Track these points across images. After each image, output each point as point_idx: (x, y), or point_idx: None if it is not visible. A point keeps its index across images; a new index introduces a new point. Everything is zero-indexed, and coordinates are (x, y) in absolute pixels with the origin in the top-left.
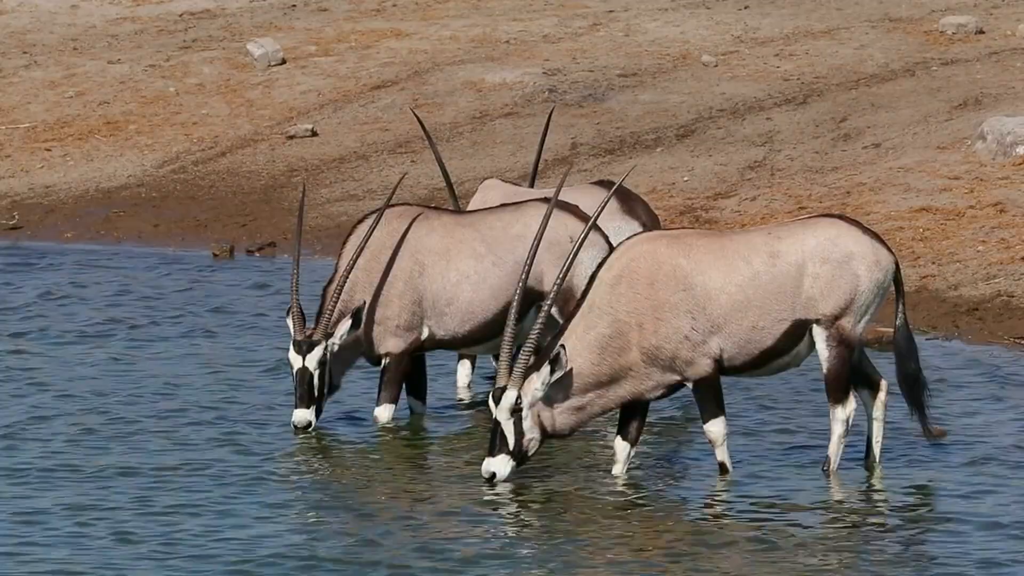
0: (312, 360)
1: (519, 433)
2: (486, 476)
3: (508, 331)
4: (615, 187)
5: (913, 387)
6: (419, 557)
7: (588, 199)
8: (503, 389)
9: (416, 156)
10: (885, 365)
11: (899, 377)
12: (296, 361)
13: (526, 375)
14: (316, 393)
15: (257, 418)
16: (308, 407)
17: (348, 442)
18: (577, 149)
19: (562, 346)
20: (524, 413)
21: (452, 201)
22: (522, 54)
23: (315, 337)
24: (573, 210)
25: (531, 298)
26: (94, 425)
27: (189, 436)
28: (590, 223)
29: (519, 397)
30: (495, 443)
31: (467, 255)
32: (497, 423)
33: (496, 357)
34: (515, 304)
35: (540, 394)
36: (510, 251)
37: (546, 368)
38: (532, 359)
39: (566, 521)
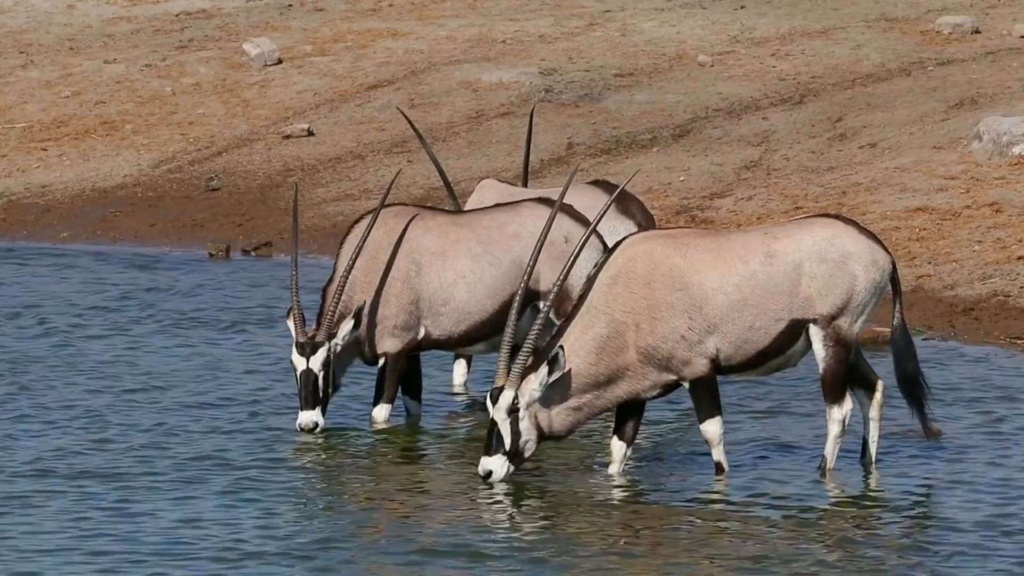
0: (316, 361)
1: (515, 433)
2: (482, 474)
3: (508, 331)
4: (618, 191)
5: (912, 387)
6: (415, 556)
7: (584, 198)
8: (501, 389)
9: (412, 156)
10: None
11: (898, 377)
12: (300, 363)
13: (524, 375)
14: (321, 394)
15: (254, 418)
16: (314, 408)
17: (345, 442)
18: (573, 149)
19: (560, 347)
20: (521, 414)
21: (452, 201)
22: (518, 54)
23: (318, 338)
24: (567, 209)
25: (527, 298)
26: (87, 425)
27: (183, 436)
28: (590, 228)
29: (516, 397)
30: (491, 443)
31: (463, 255)
32: (494, 422)
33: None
34: (516, 305)
35: (538, 394)
36: (506, 251)
37: (544, 368)
38: (531, 359)
39: (562, 521)
